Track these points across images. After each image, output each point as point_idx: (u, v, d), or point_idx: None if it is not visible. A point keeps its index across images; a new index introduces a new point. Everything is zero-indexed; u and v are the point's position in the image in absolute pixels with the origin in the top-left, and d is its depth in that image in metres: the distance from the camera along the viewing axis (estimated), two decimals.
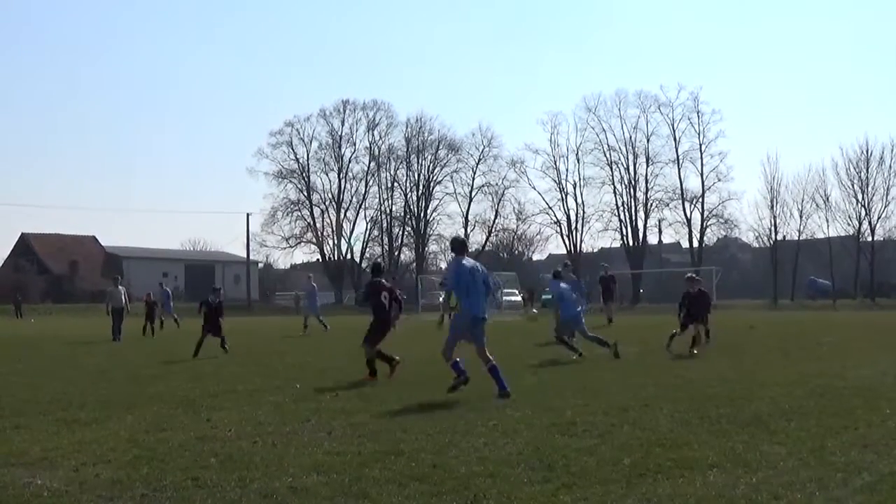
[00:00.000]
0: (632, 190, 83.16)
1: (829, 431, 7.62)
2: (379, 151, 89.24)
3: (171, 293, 33.62)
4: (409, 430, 8.04)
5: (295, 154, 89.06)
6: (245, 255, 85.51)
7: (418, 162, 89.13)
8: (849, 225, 78.09)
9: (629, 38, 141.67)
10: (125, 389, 12.17)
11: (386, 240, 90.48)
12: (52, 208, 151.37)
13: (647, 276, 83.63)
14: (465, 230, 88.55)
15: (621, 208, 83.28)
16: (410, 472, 6.25)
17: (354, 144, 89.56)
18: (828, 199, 78.20)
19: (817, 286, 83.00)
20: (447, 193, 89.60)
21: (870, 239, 77.41)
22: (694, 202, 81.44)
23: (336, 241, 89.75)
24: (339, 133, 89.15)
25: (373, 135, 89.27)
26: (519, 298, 54.44)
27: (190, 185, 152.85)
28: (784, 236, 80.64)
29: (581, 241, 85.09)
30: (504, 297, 50.68)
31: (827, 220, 79.58)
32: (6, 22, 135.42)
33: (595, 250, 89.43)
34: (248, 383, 12.60)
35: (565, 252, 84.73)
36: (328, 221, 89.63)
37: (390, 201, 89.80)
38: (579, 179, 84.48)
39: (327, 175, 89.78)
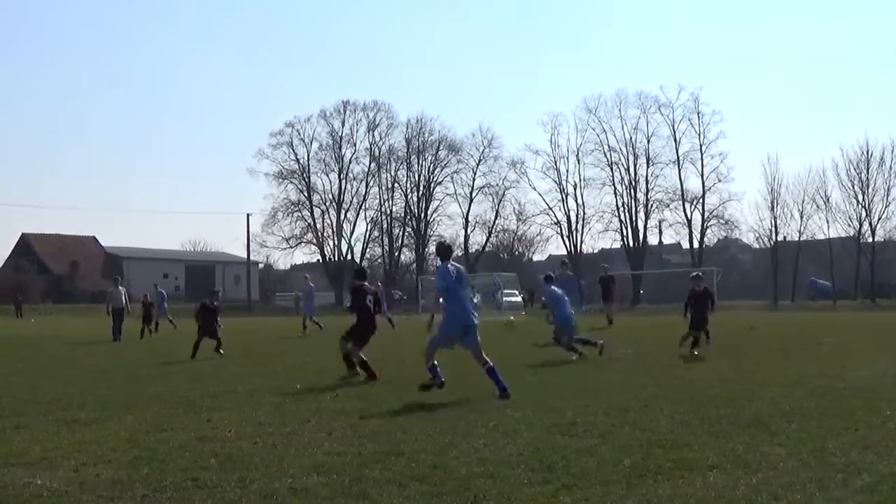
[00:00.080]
0: (632, 191, 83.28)
1: (829, 432, 7.62)
2: (379, 152, 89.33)
3: (167, 295, 33.46)
4: (409, 431, 8.04)
5: (295, 155, 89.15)
6: (245, 256, 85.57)
7: (419, 163, 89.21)
8: (849, 226, 78.26)
9: (629, 39, 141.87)
10: (125, 390, 12.17)
11: (386, 240, 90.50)
12: (53, 208, 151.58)
13: (647, 276, 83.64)
14: (466, 231, 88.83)
15: (622, 209, 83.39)
16: (411, 472, 6.25)
17: (355, 145, 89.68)
18: (828, 199, 78.37)
19: (818, 287, 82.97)
20: (447, 194, 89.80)
21: (870, 240, 77.47)
22: (694, 203, 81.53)
23: (336, 242, 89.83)
24: (340, 134, 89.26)
25: (373, 135, 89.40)
26: (519, 299, 54.45)
27: (190, 186, 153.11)
28: (784, 237, 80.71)
29: (581, 242, 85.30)
30: (504, 298, 50.70)
31: (827, 221, 79.70)
32: (6, 22, 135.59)
33: (595, 251, 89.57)
34: (248, 384, 12.60)
35: (565, 253, 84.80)
36: (328, 222, 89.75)
37: (391, 202, 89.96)
38: (580, 180, 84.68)
39: (328, 176, 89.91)
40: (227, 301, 62.56)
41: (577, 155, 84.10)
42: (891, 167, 76.20)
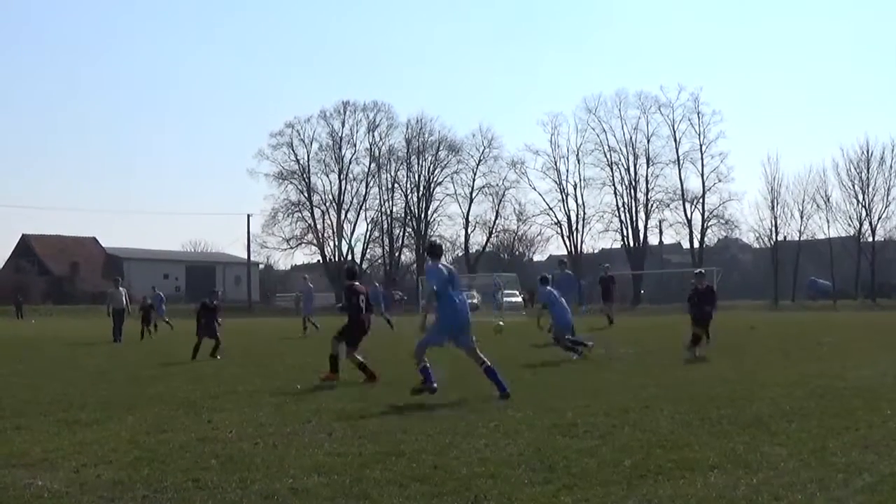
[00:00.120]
0: (632, 191, 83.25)
1: (829, 432, 7.62)
2: (379, 152, 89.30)
3: (164, 297, 33.38)
4: (409, 431, 8.04)
5: (295, 155, 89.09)
6: (246, 257, 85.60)
7: (419, 163, 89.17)
8: (849, 225, 78.24)
9: (629, 39, 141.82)
10: (126, 390, 12.17)
11: (386, 241, 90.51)
12: (53, 209, 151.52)
13: (647, 276, 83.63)
14: (466, 231, 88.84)
15: (622, 209, 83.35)
16: (411, 473, 6.25)
17: (355, 145, 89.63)
18: (828, 199, 78.36)
19: (818, 287, 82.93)
20: (448, 194, 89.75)
21: (870, 239, 77.46)
22: (694, 203, 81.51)
23: (337, 243, 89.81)
24: (340, 134, 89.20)
25: (373, 136, 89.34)
26: (520, 299, 54.45)
27: (190, 187, 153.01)
28: (785, 237, 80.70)
29: (582, 242, 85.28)
30: (505, 299, 50.71)
31: (828, 221, 79.64)
32: (6, 22, 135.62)
33: (596, 251, 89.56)
34: (248, 384, 12.61)
35: (566, 253, 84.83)
36: (329, 223, 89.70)
37: (391, 202, 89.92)
38: (580, 180, 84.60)
39: (328, 176, 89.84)
40: (228, 302, 62.59)
41: (577, 155, 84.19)
42: (891, 166, 76.26)
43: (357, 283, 13.80)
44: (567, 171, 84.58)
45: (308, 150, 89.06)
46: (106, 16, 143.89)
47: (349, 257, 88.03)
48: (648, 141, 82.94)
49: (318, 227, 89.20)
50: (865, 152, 76.81)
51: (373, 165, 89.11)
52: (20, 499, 5.75)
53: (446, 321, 10.69)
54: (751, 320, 33.01)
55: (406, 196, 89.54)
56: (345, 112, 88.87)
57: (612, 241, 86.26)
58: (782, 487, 5.61)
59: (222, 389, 12.00)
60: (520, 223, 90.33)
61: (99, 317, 38.76)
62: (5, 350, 22.93)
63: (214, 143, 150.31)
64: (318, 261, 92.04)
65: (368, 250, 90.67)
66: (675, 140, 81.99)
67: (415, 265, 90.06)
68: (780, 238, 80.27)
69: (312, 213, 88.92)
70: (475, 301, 61.24)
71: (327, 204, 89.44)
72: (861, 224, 77.05)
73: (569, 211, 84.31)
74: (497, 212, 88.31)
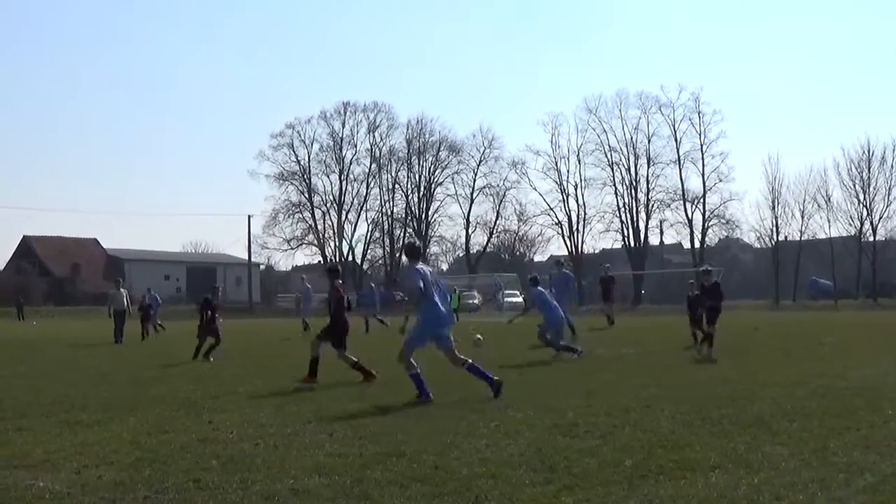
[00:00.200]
0: (633, 191, 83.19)
1: (831, 432, 7.62)
2: (380, 153, 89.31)
3: (160, 301, 33.20)
4: (410, 432, 8.04)
5: (296, 156, 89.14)
6: (246, 258, 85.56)
7: (419, 163, 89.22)
8: (850, 225, 78.22)
9: (630, 39, 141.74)
10: (127, 391, 12.18)
11: (387, 241, 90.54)
12: (54, 211, 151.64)
13: (648, 277, 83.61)
14: (467, 231, 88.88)
15: (622, 209, 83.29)
16: (412, 473, 6.25)
17: (355, 146, 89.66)
18: (829, 199, 78.32)
19: (819, 286, 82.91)
20: (448, 195, 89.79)
21: (871, 239, 77.47)
22: (695, 203, 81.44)
23: (337, 244, 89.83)
24: (340, 135, 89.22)
25: (374, 136, 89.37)
26: (521, 299, 54.44)
27: (191, 188, 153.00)
28: (786, 237, 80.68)
29: (582, 242, 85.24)
30: (506, 299, 50.77)
31: (829, 221, 79.59)
32: (6, 22, 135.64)
33: (596, 251, 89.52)
34: (249, 385, 12.61)
35: (566, 253, 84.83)
36: (329, 223, 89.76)
37: (391, 203, 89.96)
38: (580, 180, 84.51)
39: (328, 177, 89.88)
40: (229, 302, 62.62)
41: (578, 155, 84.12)
42: (892, 166, 76.25)
43: (339, 282, 13.69)
44: (568, 171, 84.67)
45: (309, 150, 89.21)
46: (106, 16, 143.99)
47: (350, 258, 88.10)
48: (649, 141, 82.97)
49: (319, 227, 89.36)
50: (866, 152, 76.93)
51: (373, 166, 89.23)
52: (22, 500, 5.76)
53: (428, 324, 10.69)
54: (753, 321, 33.00)
55: (407, 197, 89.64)
56: (345, 113, 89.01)
57: (612, 242, 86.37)
58: (784, 487, 5.61)
59: (223, 390, 12.00)
60: (520, 223, 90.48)
61: (100, 318, 38.75)
62: (7, 351, 22.94)
63: (215, 143, 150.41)
64: (319, 261, 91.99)
65: (369, 251, 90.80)
66: (676, 140, 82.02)
67: None
68: (781, 238, 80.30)
69: (313, 214, 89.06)
70: (476, 301, 61.38)
71: (328, 205, 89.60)
72: (862, 224, 77.13)
73: (569, 211, 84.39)
74: (498, 212, 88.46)
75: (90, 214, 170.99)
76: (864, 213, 76.75)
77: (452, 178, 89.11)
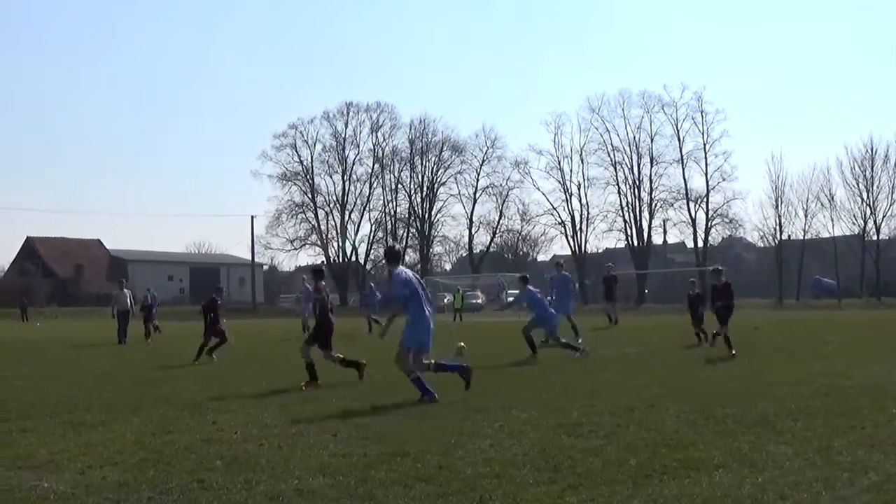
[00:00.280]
0: (636, 190, 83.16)
1: (835, 431, 7.61)
2: (383, 153, 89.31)
3: (158, 300, 33.08)
4: (414, 432, 8.05)
5: (299, 156, 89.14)
6: (250, 258, 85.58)
7: (422, 163, 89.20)
8: (854, 224, 78.14)
9: (632, 38, 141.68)
10: (131, 392, 12.19)
11: (390, 241, 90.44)
12: (57, 212, 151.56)
13: (651, 276, 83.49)
14: (470, 231, 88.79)
15: (626, 208, 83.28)
16: (416, 473, 6.25)
17: (358, 146, 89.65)
18: (832, 198, 78.29)
19: (822, 285, 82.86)
20: (451, 195, 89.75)
21: (875, 238, 77.39)
22: (698, 202, 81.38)
23: (340, 244, 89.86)
24: (343, 135, 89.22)
25: (376, 137, 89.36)
26: None
27: (194, 188, 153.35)
28: (789, 236, 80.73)
29: (586, 242, 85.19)
30: (509, 299, 50.69)
31: (832, 219, 79.62)
32: (7, 23, 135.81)
33: (600, 250, 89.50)
34: (253, 386, 12.62)
35: (570, 252, 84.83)
36: (332, 223, 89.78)
37: (394, 203, 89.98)
38: (583, 180, 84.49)
39: (331, 177, 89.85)
40: (232, 303, 62.64)
41: (581, 154, 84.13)
42: (895, 164, 76.20)
43: (322, 283, 13.62)
44: (571, 170, 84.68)
45: (311, 151, 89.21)
46: (109, 17, 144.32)
47: (353, 258, 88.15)
48: (652, 140, 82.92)
49: (322, 228, 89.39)
50: (869, 150, 76.87)
51: (376, 166, 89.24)
52: (26, 500, 5.76)
53: (415, 331, 10.66)
54: (754, 320, 32.95)
55: (410, 197, 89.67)
56: (348, 113, 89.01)
57: (616, 241, 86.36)
58: (788, 486, 5.61)
59: (227, 391, 12.01)
60: (523, 223, 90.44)
61: (103, 319, 38.80)
62: (10, 352, 22.97)
63: (218, 144, 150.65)
64: (323, 262, 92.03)
65: (372, 251, 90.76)
66: (679, 139, 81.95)
67: (418, 266, 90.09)
68: (785, 237, 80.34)
69: (316, 214, 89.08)
70: (480, 301, 61.39)
71: (331, 205, 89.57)
72: (865, 222, 77.07)
73: (573, 210, 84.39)
74: (501, 212, 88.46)
75: (93, 215, 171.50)
76: (868, 211, 76.83)
77: (455, 178, 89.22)
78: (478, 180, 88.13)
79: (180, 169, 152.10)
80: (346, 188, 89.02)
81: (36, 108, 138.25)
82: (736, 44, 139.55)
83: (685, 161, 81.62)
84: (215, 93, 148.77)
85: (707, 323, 19.67)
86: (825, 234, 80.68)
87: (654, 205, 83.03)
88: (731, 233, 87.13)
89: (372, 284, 35.92)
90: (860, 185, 76.77)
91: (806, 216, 78.85)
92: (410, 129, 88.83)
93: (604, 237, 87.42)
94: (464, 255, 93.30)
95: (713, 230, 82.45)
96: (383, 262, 12.04)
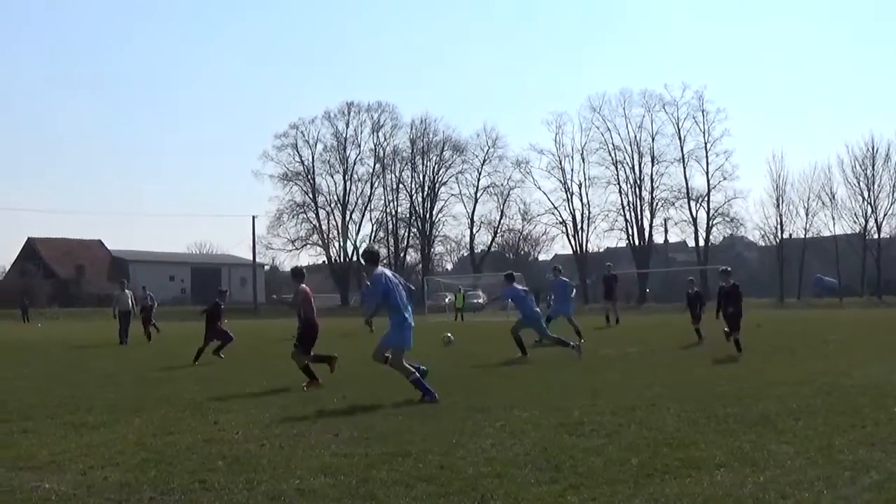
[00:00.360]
0: (637, 189, 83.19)
1: (836, 430, 7.61)
2: (384, 153, 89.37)
3: (156, 302, 32.89)
4: (415, 432, 8.04)
5: (300, 156, 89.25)
6: (251, 258, 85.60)
7: (423, 163, 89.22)
8: (855, 223, 78.06)
9: (633, 38, 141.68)
10: (132, 393, 12.19)
11: (392, 241, 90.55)
12: (58, 213, 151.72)
13: (653, 275, 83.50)
14: (471, 231, 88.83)
15: (627, 208, 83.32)
16: (418, 473, 6.25)
17: (359, 146, 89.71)
18: (834, 196, 78.23)
19: (824, 284, 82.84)
20: (452, 194, 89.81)
21: (876, 236, 77.36)
22: (699, 201, 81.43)
23: (342, 244, 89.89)
24: (344, 135, 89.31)
25: (377, 136, 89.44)
26: None
27: (195, 189, 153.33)
28: (790, 234, 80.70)
29: (587, 241, 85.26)
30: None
31: (833, 218, 79.51)
32: (8, 23, 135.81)
33: (601, 250, 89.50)
34: (254, 386, 12.62)
35: (571, 252, 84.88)
36: (334, 223, 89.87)
37: (396, 203, 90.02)
38: (584, 179, 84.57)
39: (332, 177, 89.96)
40: (233, 303, 62.59)
41: (582, 154, 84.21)
42: None
43: (304, 286, 13.47)
44: (572, 170, 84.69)
45: (312, 151, 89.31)
46: (108, 17, 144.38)
47: (354, 258, 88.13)
48: (653, 139, 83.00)
49: (324, 227, 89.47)
50: (871, 149, 76.81)
51: (377, 166, 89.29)
52: (28, 501, 5.77)
53: (397, 332, 10.73)
54: (756, 318, 32.95)
55: (411, 196, 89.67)
56: (349, 113, 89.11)
57: (617, 240, 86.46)
58: (789, 485, 5.61)
59: (228, 391, 12.02)
60: (525, 223, 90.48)
61: (105, 319, 38.83)
62: (11, 353, 22.98)
63: (219, 144, 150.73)
64: (324, 262, 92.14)
65: None
66: (680, 138, 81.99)
67: (420, 265, 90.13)
68: (786, 236, 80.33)
69: (317, 214, 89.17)
70: (481, 301, 61.37)
71: (332, 205, 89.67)
72: (867, 221, 77.01)
73: (574, 210, 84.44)
74: (502, 211, 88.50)
75: (94, 216, 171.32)
76: (869, 210, 76.77)
77: (456, 178, 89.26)
78: (479, 180, 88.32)
79: (181, 169, 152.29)
80: (348, 188, 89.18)
81: (36, 108, 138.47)
82: (737, 43, 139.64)
83: (686, 160, 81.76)
84: (216, 93, 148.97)
85: (705, 323, 19.68)
86: (826, 233, 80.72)
87: (655, 204, 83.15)
88: (732, 232, 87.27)
89: (368, 283, 35.85)
90: (861, 183, 76.81)
91: (807, 215, 78.94)
92: (411, 129, 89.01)
93: (605, 236, 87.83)
94: (465, 254, 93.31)
95: (714, 229, 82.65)
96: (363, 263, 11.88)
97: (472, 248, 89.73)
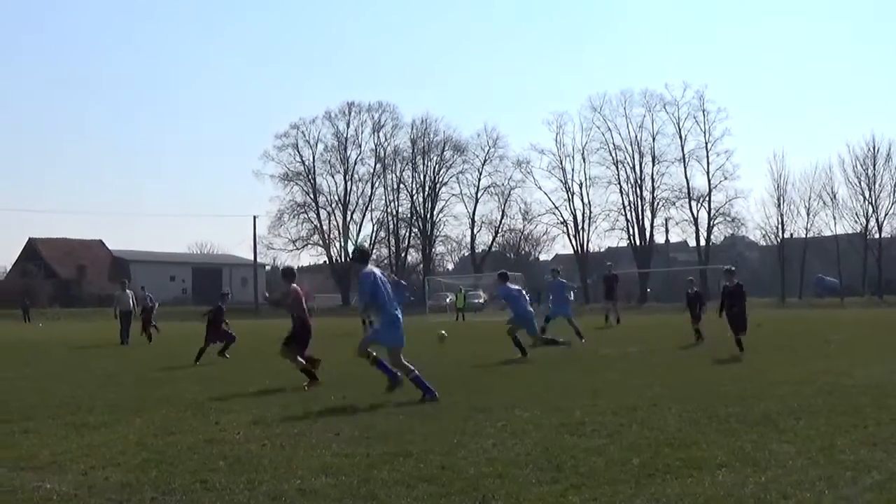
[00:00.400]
0: (638, 189, 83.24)
1: (837, 430, 7.60)
2: (385, 153, 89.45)
3: (157, 304, 32.85)
4: (417, 432, 8.04)
5: (301, 156, 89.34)
6: (252, 258, 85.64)
7: (424, 163, 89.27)
8: (856, 222, 78.11)
9: (634, 38, 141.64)
10: (133, 393, 12.19)
11: (392, 241, 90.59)
12: (59, 213, 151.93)
13: (654, 275, 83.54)
14: (472, 231, 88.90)
15: (628, 207, 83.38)
16: (419, 473, 6.25)
17: (360, 146, 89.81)
18: (835, 196, 78.29)
19: (825, 284, 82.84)
20: (453, 194, 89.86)
21: (877, 236, 77.38)
22: (700, 201, 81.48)
23: (343, 244, 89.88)
24: (345, 135, 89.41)
25: (378, 136, 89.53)
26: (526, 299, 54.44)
27: (196, 189, 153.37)
28: (791, 234, 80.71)
29: (588, 241, 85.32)
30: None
31: (834, 218, 79.55)
32: (7, 23, 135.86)
33: (602, 250, 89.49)
34: (255, 385, 12.63)
35: (572, 252, 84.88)
36: (335, 223, 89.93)
37: (396, 203, 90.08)
38: (585, 179, 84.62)
39: (333, 177, 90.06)
40: (234, 303, 62.55)
41: (583, 154, 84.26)
42: None
43: (296, 285, 13.51)
44: (573, 169, 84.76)
45: (313, 151, 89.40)
46: (108, 17, 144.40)
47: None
48: (654, 139, 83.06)
49: (324, 227, 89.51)
50: (871, 149, 76.86)
51: (378, 166, 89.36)
52: (29, 501, 5.77)
53: (386, 329, 10.78)
54: (757, 317, 32.93)
55: (412, 196, 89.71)
56: (350, 113, 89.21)
57: (618, 240, 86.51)
58: (791, 485, 5.60)
59: (229, 391, 12.02)
60: (525, 222, 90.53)
61: (106, 319, 38.82)
62: (13, 353, 22.98)
63: (220, 144, 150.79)
64: (325, 262, 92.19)
65: (374, 251, 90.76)
66: (681, 138, 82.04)
67: (421, 265, 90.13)
68: (787, 235, 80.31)
69: (318, 214, 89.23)
70: (482, 300, 61.41)
71: (333, 205, 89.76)
72: (868, 221, 77.08)
73: (575, 210, 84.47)
74: (503, 211, 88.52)
75: (95, 216, 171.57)
76: (870, 210, 76.83)
77: (457, 178, 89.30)
78: (480, 180, 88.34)
79: (182, 169, 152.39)
80: (348, 188, 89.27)
81: (37, 108, 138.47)
82: (737, 42, 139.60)
83: (687, 160, 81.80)
84: (217, 93, 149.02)
85: (705, 323, 19.67)
86: (827, 233, 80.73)
87: (656, 204, 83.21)
88: (733, 231, 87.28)
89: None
90: (862, 183, 76.87)
91: (808, 214, 79.01)
92: (412, 129, 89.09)
93: (606, 236, 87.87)
94: (466, 254, 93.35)
95: (715, 229, 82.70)
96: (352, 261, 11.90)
97: (472, 248, 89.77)
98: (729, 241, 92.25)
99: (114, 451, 7.45)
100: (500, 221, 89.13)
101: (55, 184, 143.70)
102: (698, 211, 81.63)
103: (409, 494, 5.66)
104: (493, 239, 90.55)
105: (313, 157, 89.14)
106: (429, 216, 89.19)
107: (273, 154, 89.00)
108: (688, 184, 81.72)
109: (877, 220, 76.77)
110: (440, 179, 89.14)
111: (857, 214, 77.54)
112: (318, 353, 13.08)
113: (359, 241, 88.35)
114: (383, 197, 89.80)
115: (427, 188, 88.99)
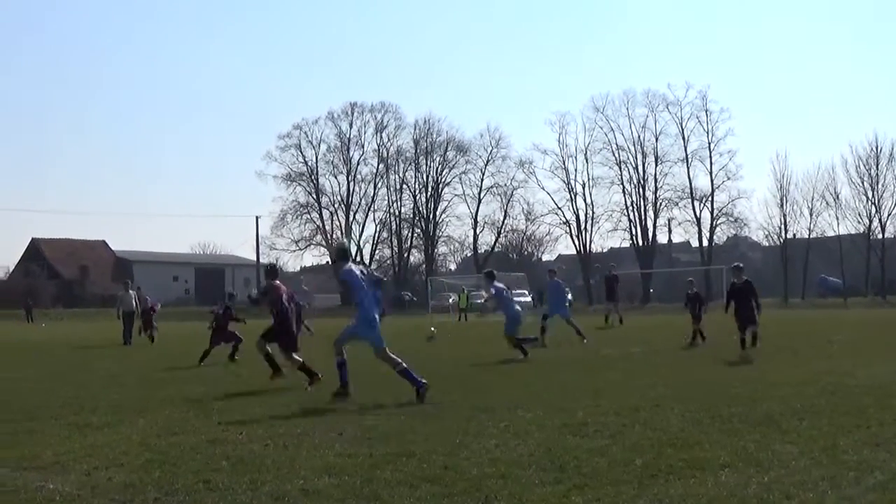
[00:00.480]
0: (641, 189, 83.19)
1: (840, 430, 7.60)
2: (387, 153, 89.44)
3: (159, 305, 32.82)
4: (419, 432, 8.04)
5: (303, 157, 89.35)
6: (255, 259, 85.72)
7: (427, 164, 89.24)
8: (859, 222, 78.06)
9: (636, 38, 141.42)
10: (136, 393, 12.20)
11: (395, 242, 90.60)
12: (62, 213, 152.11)
13: (656, 275, 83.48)
14: (475, 231, 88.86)
15: (630, 208, 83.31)
16: (422, 473, 6.25)
17: (363, 147, 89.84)
18: (837, 196, 78.23)
19: (828, 284, 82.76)
20: (456, 195, 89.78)
21: (880, 236, 77.32)
22: (703, 201, 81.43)
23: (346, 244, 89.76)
24: (348, 135, 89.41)
25: (381, 137, 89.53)
26: (529, 299, 54.57)
27: (199, 189, 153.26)
28: (794, 234, 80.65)
29: (591, 241, 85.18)
30: (514, 298, 50.72)
31: (837, 218, 79.53)
32: (7, 23, 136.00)
33: (604, 250, 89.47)
34: (257, 386, 12.63)
35: (575, 252, 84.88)
36: (337, 224, 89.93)
37: (399, 203, 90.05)
38: (588, 179, 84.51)
39: (336, 178, 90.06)
40: (237, 303, 62.49)
41: (586, 154, 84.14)
42: None
43: (279, 282, 13.52)
44: (575, 170, 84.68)
45: (316, 151, 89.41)
46: (109, 17, 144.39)
47: (358, 259, 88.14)
48: (657, 139, 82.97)
49: (327, 228, 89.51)
50: (874, 149, 76.80)
51: (381, 166, 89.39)
52: (32, 502, 5.77)
53: (360, 325, 10.83)
54: (760, 318, 32.90)
55: (414, 197, 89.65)
56: (352, 113, 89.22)
57: (620, 240, 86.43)
58: (793, 486, 5.60)
59: (232, 391, 12.02)
60: (528, 223, 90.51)
61: (109, 320, 38.87)
62: (16, 354, 23.02)
63: (222, 145, 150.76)
64: (327, 262, 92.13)
65: (377, 251, 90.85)
66: (684, 138, 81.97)
67: (423, 266, 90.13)
68: (790, 236, 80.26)
69: (321, 215, 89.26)
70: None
71: (336, 205, 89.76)
72: (871, 221, 77.03)
73: (577, 210, 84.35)
74: (505, 212, 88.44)
75: (98, 216, 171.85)
76: (873, 210, 76.76)
77: (460, 178, 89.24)
78: (482, 180, 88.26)
79: (185, 169, 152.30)
80: (351, 188, 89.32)
81: (38, 108, 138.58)
82: (740, 42, 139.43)
83: (690, 160, 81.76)
84: (219, 93, 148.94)
85: (706, 323, 19.66)
86: (830, 233, 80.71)
87: (658, 204, 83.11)
88: (736, 232, 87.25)
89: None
90: (865, 183, 76.77)
91: (811, 215, 78.97)
92: (415, 130, 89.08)
93: (608, 236, 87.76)
94: (468, 255, 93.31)
95: (718, 229, 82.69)
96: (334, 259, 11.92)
97: (475, 248, 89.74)
98: (732, 241, 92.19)
99: (117, 452, 7.46)
100: (503, 222, 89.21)
101: (58, 184, 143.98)
102: (701, 211, 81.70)
103: (412, 495, 5.66)
104: (496, 239, 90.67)
105: (316, 158, 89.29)
106: (431, 216, 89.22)
107: (276, 154, 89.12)
108: (690, 184, 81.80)
109: (880, 220, 76.82)
110: (443, 180, 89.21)
111: (860, 214, 77.62)
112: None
113: (361, 241, 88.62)
114: (386, 197, 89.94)
115: (430, 188, 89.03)
